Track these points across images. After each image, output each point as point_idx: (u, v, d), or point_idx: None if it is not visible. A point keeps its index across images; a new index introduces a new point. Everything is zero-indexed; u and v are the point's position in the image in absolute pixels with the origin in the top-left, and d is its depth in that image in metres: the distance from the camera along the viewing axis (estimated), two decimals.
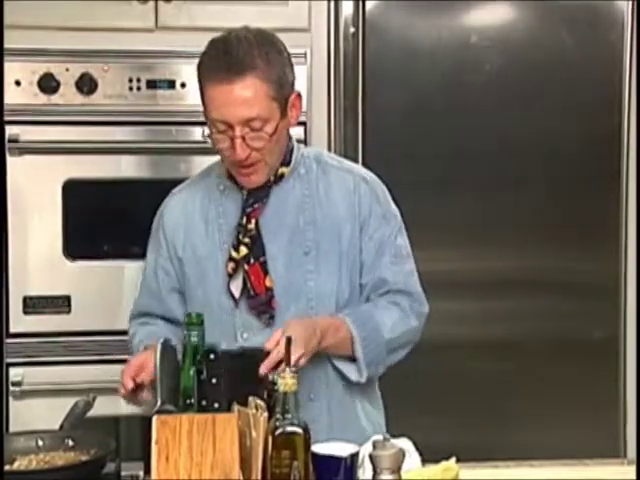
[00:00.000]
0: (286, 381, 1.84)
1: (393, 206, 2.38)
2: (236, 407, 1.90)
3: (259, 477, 1.80)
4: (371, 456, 1.83)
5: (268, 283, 2.26)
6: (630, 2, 3.22)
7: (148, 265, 2.42)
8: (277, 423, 1.83)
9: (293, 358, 1.99)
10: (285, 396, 1.84)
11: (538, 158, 3.29)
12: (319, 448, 1.86)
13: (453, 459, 1.99)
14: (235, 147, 2.15)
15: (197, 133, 3.12)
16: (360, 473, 1.93)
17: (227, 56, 2.14)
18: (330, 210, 2.30)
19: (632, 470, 2.06)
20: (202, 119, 3.06)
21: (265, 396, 1.97)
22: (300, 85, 3.13)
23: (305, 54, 3.14)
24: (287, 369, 1.89)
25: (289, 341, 1.96)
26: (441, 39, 3.23)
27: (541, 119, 3.28)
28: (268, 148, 2.19)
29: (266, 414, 1.84)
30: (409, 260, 2.37)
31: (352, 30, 3.16)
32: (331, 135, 3.22)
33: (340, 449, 1.88)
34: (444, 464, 1.98)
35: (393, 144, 3.27)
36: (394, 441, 1.86)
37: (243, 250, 2.26)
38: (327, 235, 2.29)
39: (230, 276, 2.27)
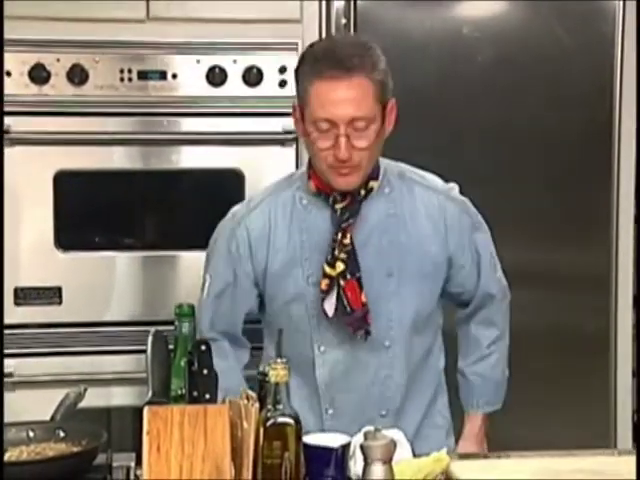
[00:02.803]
0: (277, 372, 1.84)
1: (480, 218, 2.43)
2: (227, 398, 1.90)
3: (250, 468, 1.80)
4: (362, 447, 1.83)
5: (364, 298, 2.24)
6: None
7: (219, 280, 2.36)
8: (268, 414, 1.83)
9: None
10: (276, 387, 1.84)
11: (530, 150, 3.29)
12: (310, 439, 1.87)
13: (444, 450, 1.99)
14: (339, 146, 2.14)
15: (188, 124, 3.12)
16: (351, 464, 1.94)
17: (336, 55, 2.14)
18: (415, 231, 2.30)
19: (623, 461, 2.07)
20: (193, 110, 3.11)
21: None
22: (291, 77, 3.13)
23: (297, 45, 3.13)
24: (279, 360, 1.89)
25: None
26: (433, 31, 3.23)
27: (533, 111, 3.28)
28: (368, 151, 2.18)
29: (257, 405, 1.84)
30: (498, 269, 2.46)
31: (343, 21, 3.15)
32: None
33: (331, 440, 1.88)
34: (435, 455, 1.99)
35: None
36: (385, 432, 1.87)
37: (340, 266, 2.23)
38: (411, 257, 2.30)
39: (323, 292, 2.24)
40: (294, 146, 3.17)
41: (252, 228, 2.32)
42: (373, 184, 2.27)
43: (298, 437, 1.84)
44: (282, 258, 2.29)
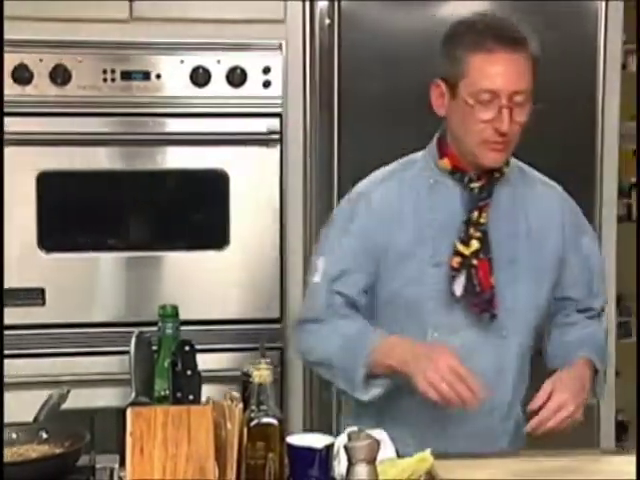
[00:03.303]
0: (261, 372, 1.84)
1: (585, 220, 2.41)
2: (211, 399, 1.90)
3: (234, 468, 1.80)
4: (346, 447, 1.83)
5: (493, 281, 2.21)
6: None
7: (337, 260, 2.26)
8: (252, 414, 1.83)
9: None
10: (260, 387, 1.84)
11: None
12: (294, 439, 1.86)
13: (428, 450, 1.99)
14: (502, 117, 2.12)
15: (172, 124, 3.12)
16: (335, 464, 1.93)
17: (501, 28, 2.15)
18: (535, 223, 2.28)
19: (605, 460, 2.08)
20: (177, 110, 3.10)
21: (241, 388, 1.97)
22: (275, 77, 3.16)
23: (280, 45, 3.14)
24: (262, 360, 1.88)
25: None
26: (416, 30, 3.23)
27: None
28: (520, 128, 2.17)
29: (241, 405, 1.84)
30: (603, 272, 2.44)
31: (328, 21, 3.15)
32: (307, 126, 3.21)
33: (315, 440, 1.87)
34: (419, 455, 1.98)
35: (369, 135, 3.26)
36: (369, 432, 1.86)
37: (474, 244, 2.20)
38: (530, 248, 2.27)
39: (454, 270, 2.20)
40: (278, 147, 3.17)
41: (375, 206, 2.26)
42: (505, 169, 2.26)
43: (282, 438, 1.83)
44: (407, 237, 2.23)
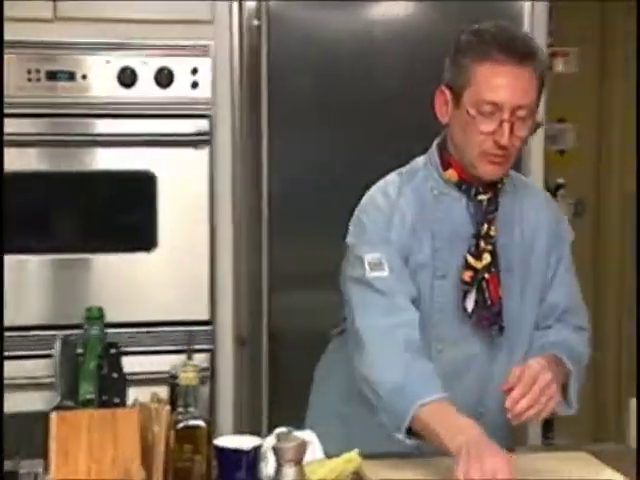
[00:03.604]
0: (188, 374, 1.83)
1: (568, 225, 2.37)
2: (138, 401, 1.88)
3: (161, 471, 1.78)
4: (274, 448, 1.82)
5: (501, 294, 2.19)
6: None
7: (393, 253, 2.17)
8: (179, 417, 1.82)
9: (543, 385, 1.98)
10: (187, 389, 1.83)
11: None
12: (222, 441, 1.85)
13: (355, 450, 2.00)
14: (503, 131, 2.08)
15: (100, 125, 3.09)
16: (263, 465, 1.93)
17: (511, 41, 2.11)
18: (526, 229, 2.26)
19: (537, 457, 2.09)
20: (105, 111, 3.07)
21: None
22: (204, 78, 3.14)
23: (208, 47, 3.13)
24: (189, 362, 1.87)
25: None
26: (344, 32, 3.24)
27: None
28: (520, 143, 2.13)
29: (168, 408, 1.83)
30: (575, 279, 2.36)
31: (256, 23, 3.15)
32: (235, 127, 3.20)
33: (243, 442, 1.87)
34: (346, 455, 1.99)
35: (298, 136, 3.26)
36: (297, 433, 1.86)
37: (487, 258, 2.17)
38: (520, 254, 2.25)
39: (467, 285, 2.17)
40: (207, 148, 3.16)
41: (405, 218, 2.19)
42: (506, 179, 2.24)
43: (209, 440, 1.83)
44: (425, 249, 2.19)
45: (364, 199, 2.25)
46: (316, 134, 3.28)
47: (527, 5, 3.28)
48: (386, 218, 2.19)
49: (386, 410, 2.06)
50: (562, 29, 4.10)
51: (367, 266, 2.16)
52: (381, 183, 2.26)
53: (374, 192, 2.25)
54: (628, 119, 4.59)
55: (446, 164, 2.21)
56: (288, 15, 3.21)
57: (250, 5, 3.15)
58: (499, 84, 2.09)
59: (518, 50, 2.09)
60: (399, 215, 2.19)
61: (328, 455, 2.02)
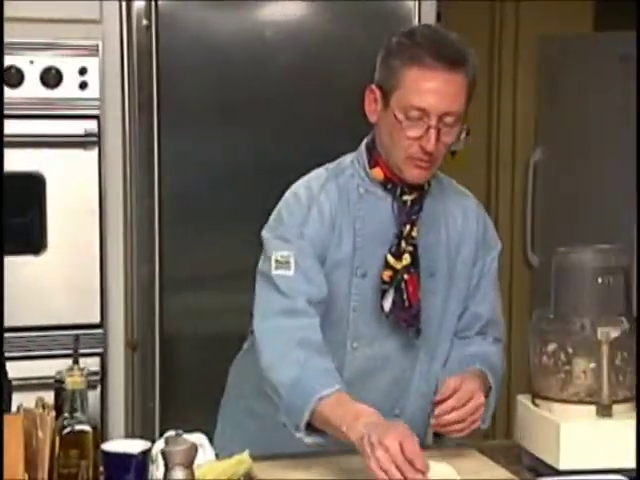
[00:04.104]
0: (74, 378, 1.80)
1: (495, 233, 2.35)
2: (22, 407, 1.85)
3: (45, 478, 1.75)
4: (163, 452, 1.81)
5: (420, 296, 2.17)
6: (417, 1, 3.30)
7: (308, 249, 2.15)
8: (65, 422, 1.79)
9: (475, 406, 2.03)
10: (73, 394, 1.81)
11: (338, 152, 3.32)
12: (109, 446, 1.83)
13: (246, 452, 1.99)
14: (429, 137, 2.06)
15: None
16: (154, 469, 1.91)
17: (441, 46, 2.07)
18: (452, 232, 2.25)
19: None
20: None
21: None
22: (92, 78, 3.10)
23: (97, 46, 3.09)
24: (76, 366, 1.84)
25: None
26: (236, 33, 3.24)
27: (338, 112, 3.31)
28: (444, 149, 2.11)
29: (53, 413, 1.80)
30: (498, 289, 2.35)
31: (145, 23, 3.12)
32: (125, 129, 3.17)
33: (132, 446, 1.85)
34: (237, 457, 1.98)
35: (188, 139, 3.25)
36: (187, 436, 1.85)
37: (407, 259, 2.15)
38: (447, 257, 2.24)
39: (385, 284, 2.16)
40: (96, 149, 3.13)
41: (323, 212, 2.17)
42: (433, 181, 2.22)
43: (96, 445, 1.80)
44: (343, 247, 2.18)
45: (287, 192, 2.24)
46: (208, 134, 3.27)
47: (415, 4, 3.31)
48: (304, 211, 2.18)
49: (286, 408, 2.05)
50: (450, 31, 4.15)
51: (273, 263, 2.16)
52: (306, 177, 2.26)
53: (297, 185, 2.25)
54: (516, 121, 4.69)
55: (373, 163, 2.20)
56: (178, 15, 3.19)
57: (139, 5, 3.12)
58: (427, 90, 2.07)
59: (449, 56, 2.08)
60: (317, 209, 2.18)
61: (220, 457, 2.01)
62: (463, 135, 2.13)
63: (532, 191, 4.59)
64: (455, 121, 2.10)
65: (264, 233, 2.22)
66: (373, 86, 2.16)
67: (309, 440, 2.04)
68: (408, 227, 2.17)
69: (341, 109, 3.31)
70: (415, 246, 2.18)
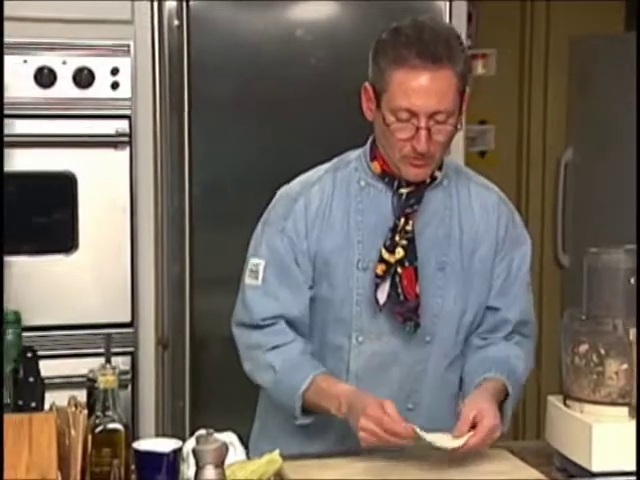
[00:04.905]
0: (106, 378, 1.81)
1: (525, 230, 2.32)
2: (55, 406, 1.86)
3: (78, 477, 1.76)
4: (194, 451, 1.81)
5: (418, 290, 2.16)
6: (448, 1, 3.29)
7: (276, 261, 2.20)
8: (97, 421, 1.80)
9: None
10: (105, 393, 1.82)
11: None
12: (140, 444, 1.83)
13: (277, 451, 1.99)
14: (420, 139, 2.05)
15: (18, 126, 3.06)
16: (185, 468, 1.92)
17: (424, 44, 2.05)
18: (468, 227, 2.22)
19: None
20: (23, 112, 3.02)
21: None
22: (124, 78, 3.11)
23: (128, 47, 3.10)
24: (108, 365, 1.85)
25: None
26: (266, 33, 3.24)
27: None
28: (439, 148, 2.10)
29: (86, 412, 1.81)
30: (530, 288, 2.32)
31: (176, 23, 3.13)
32: (157, 128, 3.18)
33: (163, 445, 1.85)
34: (268, 456, 1.98)
35: (220, 138, 3.25)
36: (218, 435, 1.85)
37: (400, 252, 2.15)
38: (461, 252, 2.22)
39: (379, 278, 2.16)
40: (127, 149, 3.13)
41: (310, 204, 2.19)
42: (438, 174, 2.20)
43: (128, 443, 1.81)
44: (336, 238, 2.18)
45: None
46: (239, 134, 3.27)
47: (446, 4, 3.29)
48: (290, 204, 2.20)
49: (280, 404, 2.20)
50: (481, 31, 4.15)
51: (247, 271, 2.24)
52: (310, 171, 2.28)
53: (298, 178, 2.28)
54: (547, 121, 4.67)
55: (373, 156, 2.21)
56: (209, 15, 3.19)
57: (170, 5, 3.13)
58: (413, 90, 2.05)
59: (433, 53, 2.04)
60: (304, 202, 2.20)
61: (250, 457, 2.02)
62: (459, 126, 2.11)
63: (563, 191, 4.57)
64: (447, 118, 2.07)
65: (258, 228, 2.28)
66: (367, 84, 2.15)
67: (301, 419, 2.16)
68: (403, 220, 2.16)
69: None
70: (410, 240, 2.16)
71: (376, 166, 2.20)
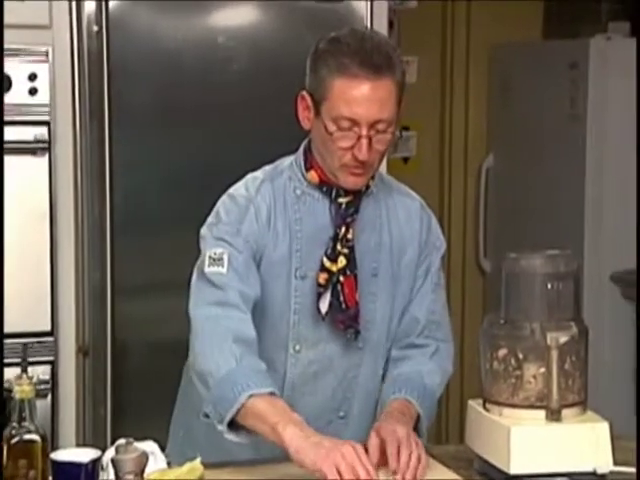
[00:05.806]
0: (22, 388, 1.79)
1: (441, 235, 2.34)
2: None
3: None
4: (113, 460, 1.80)
5: (357, 297, 2.16)
6: (368, 2, 3.30)
7: (237, 250, 2.13)
8: (13, 431, 1.77)
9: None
10: (22, 403, 1.79)
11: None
12: (58, 455, 1.81)
13: (198, 459, 1.98)
14: (361, 147, 2.05)
15: None
16: (104, 477, 1.90)
17: (369, 54, 2.04)
18: (396, 233, 2.24)
19: None
20: None
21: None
22: (42, 84, 3.08)
23: (47, 52, 3.07)
24: (24, 375, 1.83)
25: None
26: (188, 38, 3.23)
27: (290, 119, 3.30)
28: (378, 156, 2.10)
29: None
30: (439, 289, 2.33)
31: (95, 28, 3.10)
32: (76, 134, 3.15)
33: (81, 455, 1.83)
34: (189, 464, 1.97)
35: (140, 144, 3.24)
36: (138, 444, 1.84)
37: (342, 261, 2.14)
38: (391, 258, 2.23)
39: (321, 287, 2.15)
40: (47, 156, 3.10)
41: (259, 213, 2.17)
42: (371, 182, 2.21)
43: (45, 454, 1.78)
44: (280, 248, 2.17)
45: (224, 195, 2.24)
46: (160, 140, 3.26)
47: (367, 4, 3.30)
48: (241, 210, 2.18)
49: (214, 399, 2.03)
50: (403, 39, 4.18)
51: (207, 260, 2.15)
52: (242, 180, 2.25)
53: (236, 186, 2.24)
54: (468, 127, 4.72)
55: (309, 165, 2.21)
56: (129, 21, 3.17)
57: (89, 10, 3.10)
58: (355, 99, 2.06)
59: (375, 63, 2.06)
60: (254, 209, 2.18)
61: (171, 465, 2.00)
62: (397, 135, 2.14)
63: (484, 197, 4.63)
64: (387, 127, 2.09)
65: (202, 231, 2.22)
66: (304, 93, 2.15)
67: (230, 437, 2.03)
68: (343, 229, 2.17)
69: (292, 114, 3.31)
70: (351, 248, 2.18)
71: (313, 175, 2.20)
